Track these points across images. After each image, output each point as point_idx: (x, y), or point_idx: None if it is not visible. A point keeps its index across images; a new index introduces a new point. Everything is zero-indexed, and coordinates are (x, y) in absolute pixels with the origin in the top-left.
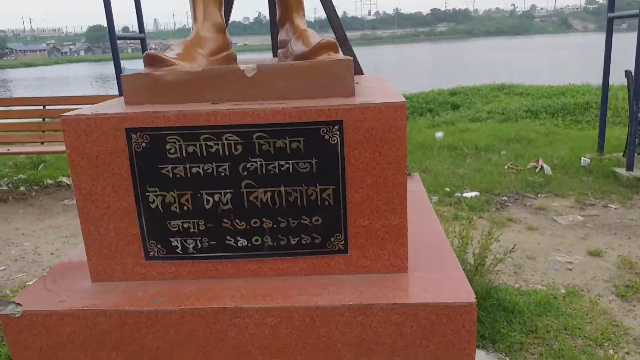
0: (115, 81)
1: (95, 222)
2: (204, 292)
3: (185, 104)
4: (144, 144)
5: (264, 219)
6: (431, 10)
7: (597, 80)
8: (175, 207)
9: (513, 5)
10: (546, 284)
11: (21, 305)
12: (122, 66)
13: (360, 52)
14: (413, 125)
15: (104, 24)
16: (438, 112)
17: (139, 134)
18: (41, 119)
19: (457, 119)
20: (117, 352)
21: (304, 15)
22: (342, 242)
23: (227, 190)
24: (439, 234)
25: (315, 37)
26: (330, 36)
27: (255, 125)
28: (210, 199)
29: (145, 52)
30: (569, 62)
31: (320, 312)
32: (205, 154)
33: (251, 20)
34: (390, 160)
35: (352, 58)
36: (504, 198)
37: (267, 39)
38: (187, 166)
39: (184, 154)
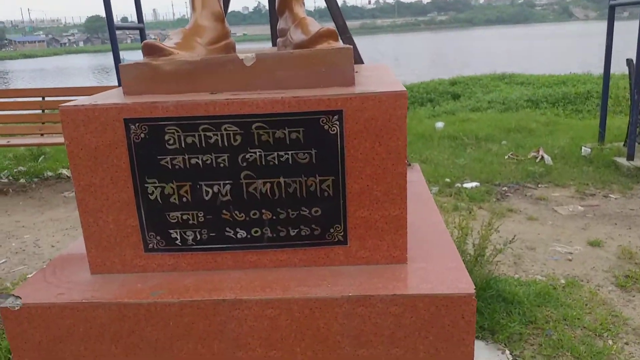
0: (115, 72)
1: (94, 214)
2: (203, 283)
3: (184, 94)
4: (142, 135)
5: (263, 210)
6: None
7: (598, 69)
8: (175, 199)
9: None
10: (546, 274)
11: (20, 298)
12: (121, 57)
13: (360, 42)
14: (413, 116)
15: (103, 14)
16: (439, 102)
17: (137, 124)
18: (40, 111)
19: (458, 109)
20: (117, 345)
21: (304, 4)
22: (342, 233)
23: (226, 182)
24: (439, 224)
25: (314, 26)
26: (330, 25)
27: (254, 116)
28: (210, 190)
29: (144, 42)
30: (570, 51)
31: (319, 304)
32: (204, 144)
33: (250, 9)
34: (390, 150)
35: (352, 47)
36: (504, 188)
37: (266, 29)
38: (186, 157)
39: (183, 145)
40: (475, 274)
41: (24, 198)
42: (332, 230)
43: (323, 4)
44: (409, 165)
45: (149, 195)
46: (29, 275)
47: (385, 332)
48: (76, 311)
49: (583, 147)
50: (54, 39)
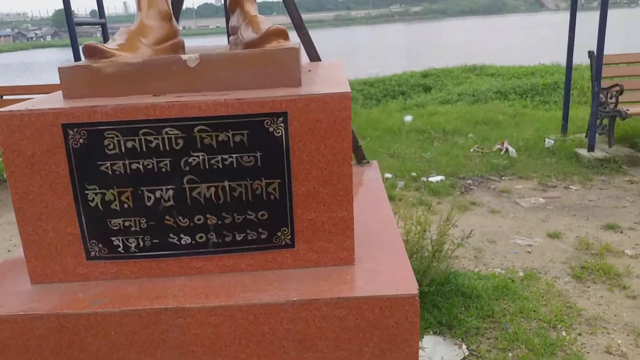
0: None
1: (33, 222)
2: (146, 291)
3: (127, 97)
4: (81, 140)
5: (207, 215)
6: None
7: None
8: (116, 205)
9: None
10: (505, 267)
11: None
12: None
13: (334, 33)
14: (383, 109)
15: (71, 7)
16: (410, 94)
17: (75, 129)
18: None
19: (429, 102)
20: (57, 357)
21: (255, 1)
22: (289, 237)
23: (169, 187)
24: (391, 223)
25: (265, 24)
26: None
27: (196, 119)
28: (152, 195)
29: (84, 44)
30: (540, 41)
31: (263, 310)
32: (145, 149)
33: (223, 1)
34: (335, 152)
35: (298, 47)
36: (468, 181)
37: None
38: (127, 162)
39: (123, 150)
40: (434, 270)
41: None
42: (279, 234)
43: None
44: (367, 162)
45: (90, 202)
46: None
47: (330, 335)
48: (14, 324)
49: (547, 139)
50: (20, 34)
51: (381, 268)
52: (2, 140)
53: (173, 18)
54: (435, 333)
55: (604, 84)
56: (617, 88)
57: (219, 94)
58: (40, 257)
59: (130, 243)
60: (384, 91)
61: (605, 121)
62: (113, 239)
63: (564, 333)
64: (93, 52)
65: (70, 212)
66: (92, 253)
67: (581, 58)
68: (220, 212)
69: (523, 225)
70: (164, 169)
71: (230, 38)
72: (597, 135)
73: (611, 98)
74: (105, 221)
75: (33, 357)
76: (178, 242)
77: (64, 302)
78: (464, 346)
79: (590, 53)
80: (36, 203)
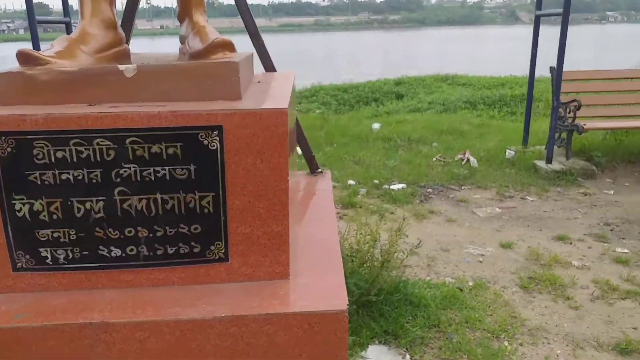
0: None
1: None
2: (73, 304)
3: (60, 106)
4: (9, 149)
5: (139, 228)
6: None
7: (536, 72)
8: (44, 216)
9: None
10: (456, 276)
11: None
12: None
13: (314, 39)
14: (352, 116)
15: (45, 1)
16: (383, 101)
17: (3, 138)
18: None
19: (400, 109)
20: None
21: (205, 12)
22: (223, 251)
23: (100, 198)
24: (333, 236)
25: (213, 35)
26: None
27: (128, 130)
28: (82, 207)
29: (18, 50)
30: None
31: (191, 325)
32: (75, 159)
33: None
34: (272, 167)
35: (237, 61)
36: (428, 190)
37: (211, 21)
38: (57, 172)
39: (53, 160)
40: (383, 279)
41: None
42: (212, 248)
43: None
44: (320, 171)
45: (17, 212)
46: None
47: (259, 352)
48: None
49: (507, 150)
50: None
51: (315, 283)
52: None
53: (118, 26)
54: (381, 342)
55: (564, 98)
56: (575, 103)
57: (156, 105)
58: None
59: (59, 254)
60: (357, 97)
61: (564, 135)
62: (41, 250)
63: (506, 343)
64: (27, 59)
65: None
66: (19, 264)
67: (547, 70)
68: (152, 224)
69: (477, 235)
70: (94, 180)
71: (179, 47)
72: (555, 147)
73: (569, 113)
74: (33, 232)
75: None
76: (108, 255)
77: None
78: (408, 356)
79: (551, 68)
80: None
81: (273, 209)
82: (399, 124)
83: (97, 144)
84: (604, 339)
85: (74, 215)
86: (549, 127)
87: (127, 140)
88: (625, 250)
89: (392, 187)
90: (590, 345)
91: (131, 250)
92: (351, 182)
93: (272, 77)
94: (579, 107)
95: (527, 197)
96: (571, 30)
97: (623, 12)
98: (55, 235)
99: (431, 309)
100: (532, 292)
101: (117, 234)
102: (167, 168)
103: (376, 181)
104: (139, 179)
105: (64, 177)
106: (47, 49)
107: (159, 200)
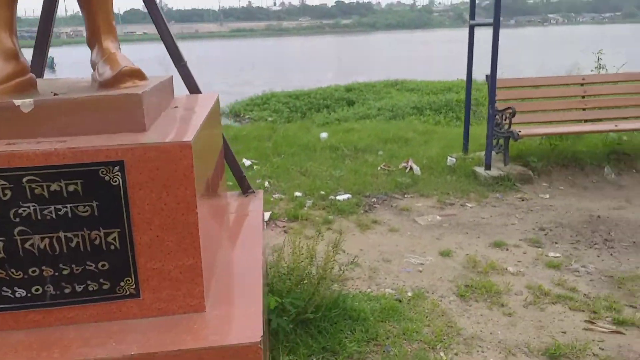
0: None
1: None
2: None
3: None
4: None
5: (43, 267)
6: (336, 2)
7: (482, 76)
8: None
9: None
10: (397, 287)
11: None
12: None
13: (266, 44)
14: (301, 126)
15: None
16: (334, 108)
17: None
18: None
19: (350, 117)
20: None
21: (116, 38)
22: (133, 286)
23: None
24: (256, 263)
25: (123, 62)
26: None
27: (24, 169)
28: None
29: None
30: (460, 55)
31: None
32: None
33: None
34: (179, 200)
35: (140, 93)
36: (373, 199)
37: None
38: None
39: None
40: (320, 295)
41: None
42: (122, 284)
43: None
44: (252, 191)
45: None
46: None
47: None
48: None
49: (449, 157)
50: None
51: (231, 314)
52: None
53: (20, 55)
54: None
55: (500, 105)
56: (510, 111)
57: (55, 140)
58: None
59: None
60: (309, 104)
61: (501, 141)
62: None
63: (442, 354)
64: None
65: None
66: None
67: (502, 75)
68: (57, 263)
69: (418, 244)
70: None
71: (91, 73)
72: (494, 154)
73: (505, 120)
74: None
75: None
76: (12, 295)
77: None
78: None
79: (487, 77)
80: None
81: (183, 243)
82: (347, 133)
83: None
84: (534, 345)
85: None
86: (486, 134)
87: (24, 180)
88: (558, 255)
89: (337, 197)
90: (522, 352)
91: (37, 290)
92: (298, 193)
93: (194, 101)
94: (513, 114)
95: (466, 204)
96: (516, 32)
97: (563, 14)
98: None
99: (370, 322)
100: (468, 300)
101: (20, 274)
102: (68, 206)
103: (322, 192)
104: (39, 217)
105: None
106: None
107: (63, 239)
